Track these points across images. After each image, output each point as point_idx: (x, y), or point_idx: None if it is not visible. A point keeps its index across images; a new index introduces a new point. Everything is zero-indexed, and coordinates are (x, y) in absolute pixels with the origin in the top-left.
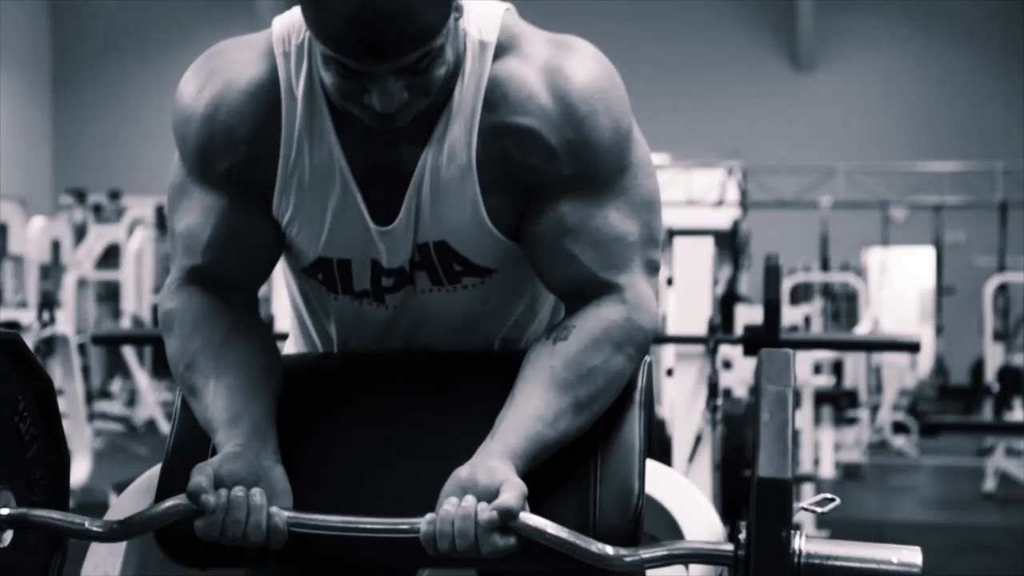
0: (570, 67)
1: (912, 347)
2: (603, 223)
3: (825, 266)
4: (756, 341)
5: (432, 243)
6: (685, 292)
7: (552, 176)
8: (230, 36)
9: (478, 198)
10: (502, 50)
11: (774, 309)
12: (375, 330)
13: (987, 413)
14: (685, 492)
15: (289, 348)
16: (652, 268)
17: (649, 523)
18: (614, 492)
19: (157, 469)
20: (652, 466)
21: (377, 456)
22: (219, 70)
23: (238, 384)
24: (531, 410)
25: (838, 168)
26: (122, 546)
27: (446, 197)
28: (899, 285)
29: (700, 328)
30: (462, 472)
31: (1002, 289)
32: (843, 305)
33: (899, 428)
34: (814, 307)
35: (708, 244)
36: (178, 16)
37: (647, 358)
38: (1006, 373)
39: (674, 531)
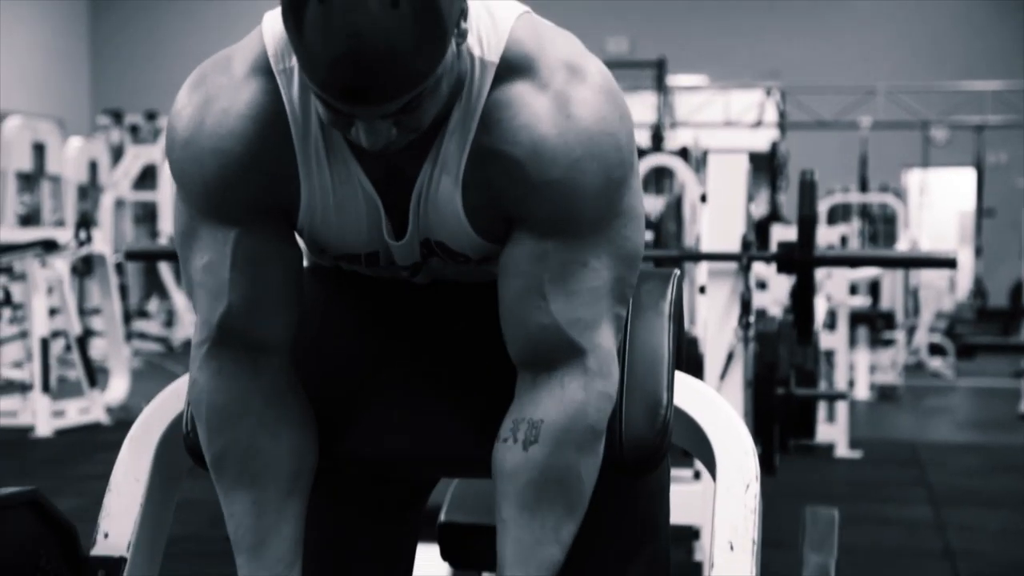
0: (576, 102)
1: (948, 263)
2: (580, 271)
3: (863, 187)
4: (790, 258)
5: (433, 241)
6: (718, 210)
7: (533, 212)
8: None
9: (461, 216)
10: (508, 70)
11: (808, 225)
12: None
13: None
14: (716, 406)
15: None
16: (618, 327)
17: (678, 435)
18: (642, 403)
19: (183, 380)
20: (682, 379)
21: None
22: (213, 97)
23: (264, 500)
24: (530, 538)
25: (878, 88)
26: (151, 450)
27: (435, 210)
28: (939, 207)
29: (733, 246)
30: None
31: None
32: (881, 227)
33: (935, 350)
34: (851, 228)
35: (743, 161)
36: None
37: (675, 272)
38: None
39: (703, 446)
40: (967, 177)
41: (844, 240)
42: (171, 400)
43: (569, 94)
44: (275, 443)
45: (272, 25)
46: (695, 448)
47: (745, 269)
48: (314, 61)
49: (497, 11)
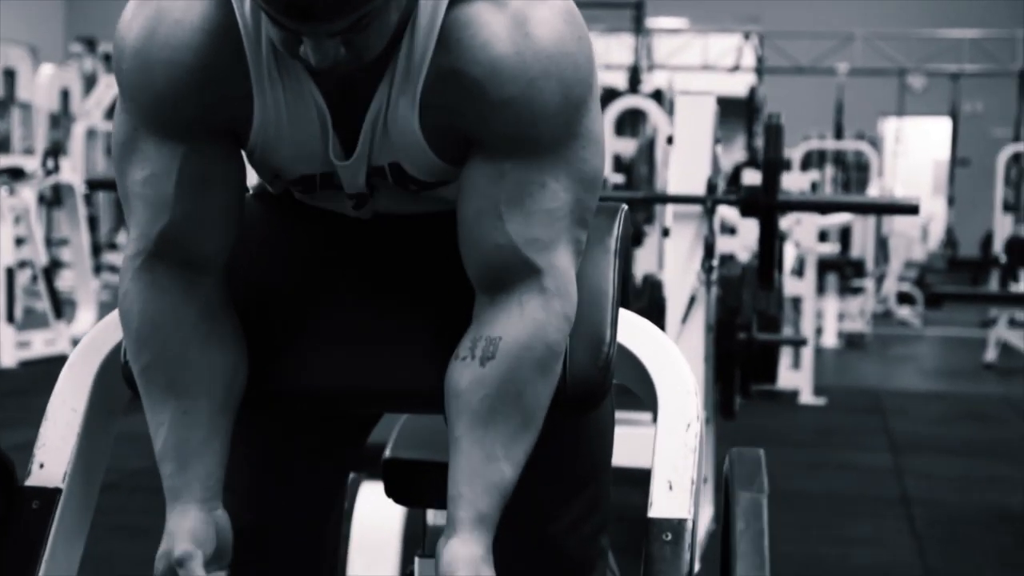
0: (535, 21)
1: (911, 209)
2: (538, 191)
3: (839, 134)
4: (753, 202)
5: (387, 164)
6: (684, 152)
7: (492, 131)
8: None
9: (419, 136)
10: None
11: (772, 169)
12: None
13: (993, 285)
14: (659, 344)
15: None
16: (577, 250)
17: (622, 373)
18: (585, 339)
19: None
20: (626, 317)
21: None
22: (166, 8)
23: (196, 411)
24: (481, 454)
25: (856, 33)
26: (88, 380)
27: (394, 131)
28: (914, 156)
29: (699, 189)
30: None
31: (1016, 160)
32: (854, 174)
33: (904, 299)
34: (824, 175)
35: (710, 103)
36: None
37: (623, 206)
38: (1014, 244)
39: (646, 384)
40: (943, 126)
41: (814, 186)
42: (111, 329)
43: (527, 13)
44: (207, 357)
45: None
46: (638, 387)
47: (709, 212)
48: None
49: None
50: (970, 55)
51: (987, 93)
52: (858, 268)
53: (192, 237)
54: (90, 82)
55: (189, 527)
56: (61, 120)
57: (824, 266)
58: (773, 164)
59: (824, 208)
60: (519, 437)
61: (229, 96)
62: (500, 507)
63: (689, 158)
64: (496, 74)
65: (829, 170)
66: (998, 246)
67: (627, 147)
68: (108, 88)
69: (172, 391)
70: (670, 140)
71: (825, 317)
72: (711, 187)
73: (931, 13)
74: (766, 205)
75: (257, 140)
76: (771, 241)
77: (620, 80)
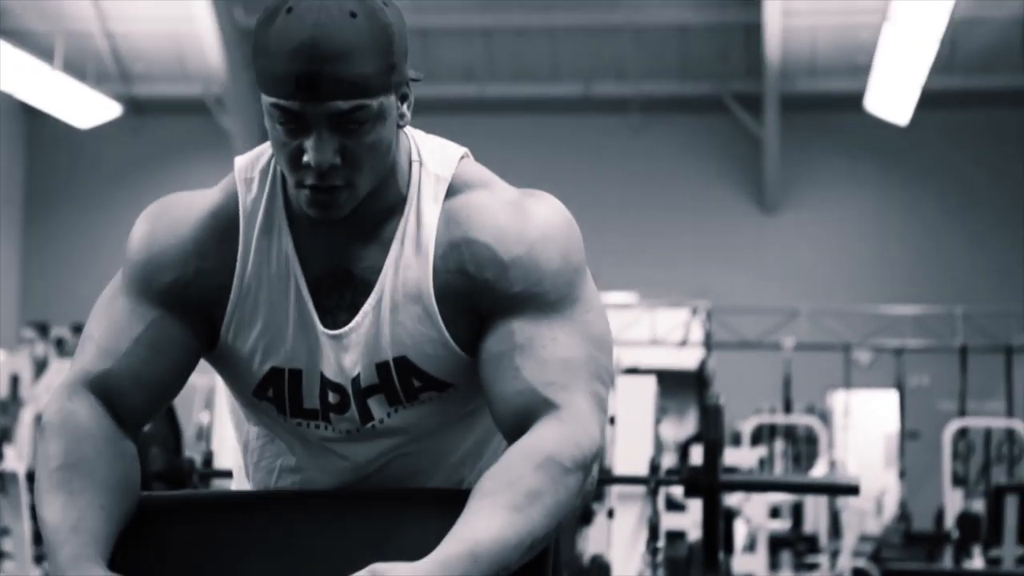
0: (531, 205)
1: (851, 490)
2: (551, 343)
3: (788, 408)
4: (696, 481)
5: (392, 359)
6: (627, 432)
7: (503, 291)
8: (197, 177)
9: (435, 311)
10: (463, 185)
11: (714, 449)
12: (330, 463)
13: (948, 560)
14: None
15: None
16: (598, 401)
17: None
18: None
19: None
20: None
21: None
22: (181, 199)
23: (93, 504)
24: (466, 517)
25: (801, 309)
26: None
27: (405, 309)
28: (864, 428)
29: (642, 469)
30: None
31: (963, 434)
32: (804, 448)
33: (859, 575)
34: (774, 450)
35: (650, 383)
36: (148, 154)
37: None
38: (965, 519)
39: None
40: (890, 399)
41: (762, 463)
42: None
43: (523, 201)
44: (114, 470)
45: (243, 156)
46: None
47: (653, 493)
48: (276, 57)
49: (440, 148)
50: (912, 331)
51: (933, 366)
52: (811, 544)
53: (124, 392)
54: (41, 366)
55: None
56: (9, 406)
57: (776, 543)
58: (713, 445)
59: (766, 488)
60: (507, 516)
61: (212, 271)
62: (465, 565)
63: (631, 438)
64: (502, 239)
65: (779, 444)
66: (949, 521)
67: None
68: (59, 373)
69: (93, 490)
70: (612, 420)
71: None
72: (654, 467)
73: (873, 289)
74: (708, 485)
75: (232, 315)
76: (714, 522)
77: None
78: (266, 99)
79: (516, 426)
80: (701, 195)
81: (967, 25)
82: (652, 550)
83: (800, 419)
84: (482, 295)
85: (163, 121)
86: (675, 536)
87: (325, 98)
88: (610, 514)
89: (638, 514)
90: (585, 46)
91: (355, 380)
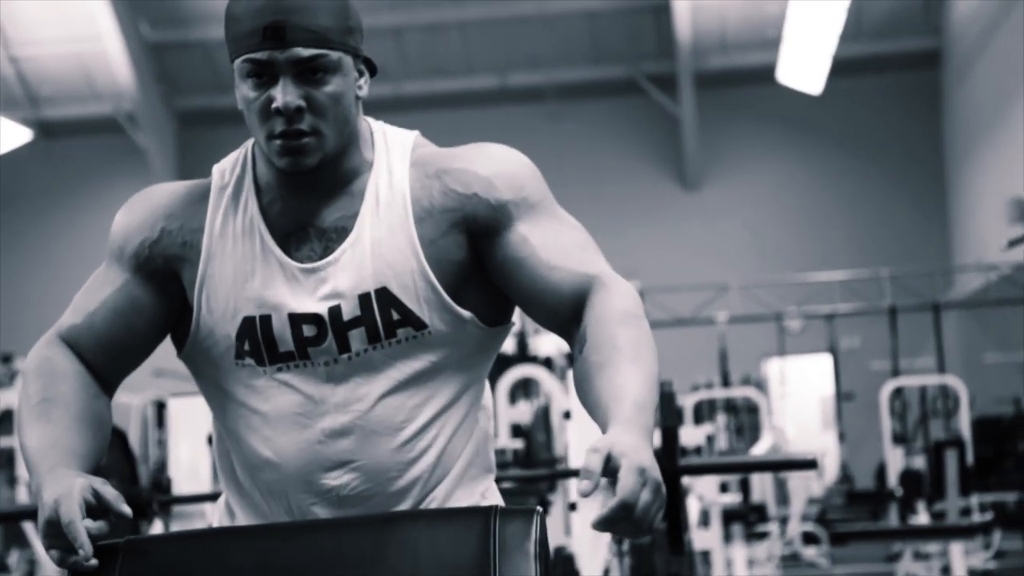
0: (485, 144)
1: (809, 464)
2: (558, 235)
3: (726, 381)
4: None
5: (374, 291)
6: (583, 426)
7: (495, 201)
8: (114, 195)
9: (415, 241)
10: (425, 145)
11: (672, 437)
12: (303, 436)
13: (892, 517)
14: None
15: (217, 514)
16: (609, 266)
17: None
18: None
19: None
20: None
21: None
22: (161, 185)
23: (68, 431)
24: (606, 384)
25: (732, 283)
26: None
27: (387, 243)
28: (800, 394)
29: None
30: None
31: (898, 393)
32: (746, 418)
33: (809, 539)
34: (717, 424)
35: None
36: (62, 176)
37: (537, 510)
38: (908, 477)
39: None
40: (824, 363)
41: (710, 440)
42: None
43: (477, 144)
44: (93, 406)
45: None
46: None
47: (614, 484)
48: (244, 17)
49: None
50: (842, 295)
51: (862, 328)
52: (761, 513)
53: (87, 348)
54: None
55: (66, 483)
56: None
57: (727, 516)
58: (672, 432)
59: (727, 470)
60: (630, 369)
61: (177, 230)
62: (639, 414)
63: (588, 432)
64: (475, 162)
65: (721, 418)
66: (892, 479)
67: (523, 414)
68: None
69: (69, 417)
70: (567, 415)
71: (735, 566)
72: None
73: (801, 258)
74: (669, 471)
75: (204, 273)
76: (677, 507)
77: (509, 345)
78: (238, 63)
79: (574, 305)
80: (623, 177)
81: None
82: (618, 539)
83: (738, 392)
84: (476, 209)
85: (76, 142)
86: None
87: (289, 44)
88: (572, 507)
89: (600, 505)
90: (497, 38)
91: (335, 312)
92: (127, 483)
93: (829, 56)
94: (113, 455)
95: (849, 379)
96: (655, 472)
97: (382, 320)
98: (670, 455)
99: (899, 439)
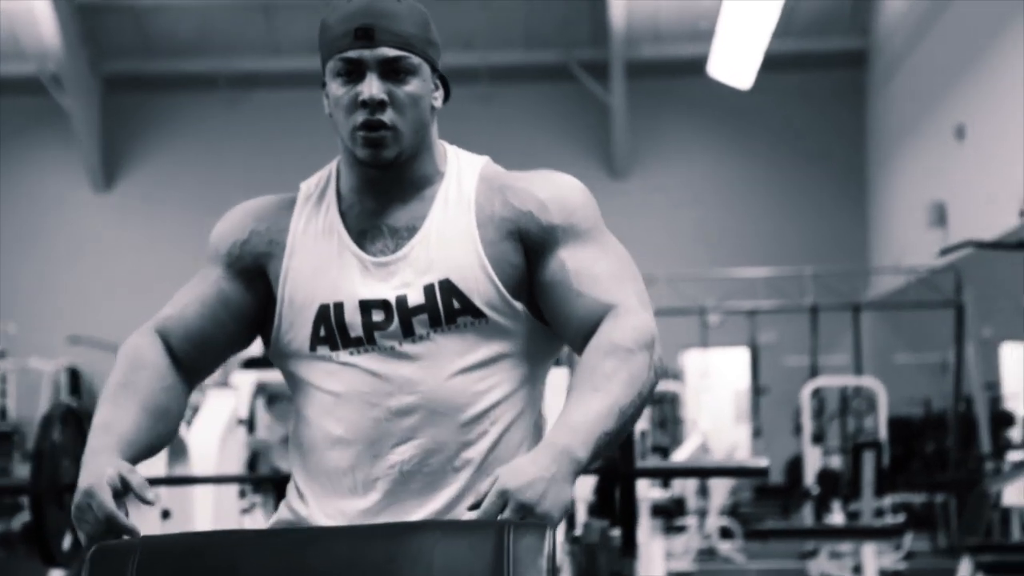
0: (551, 171)
1: (760, 472)
2: (595, 263)
3: None
4: (613, 472)
5: (438, 281)
6: None
7: (546, 222)
8: (37, 155)
9: (477, 240)
10: (494, 166)
11: (628, 441)
12: (372, 414)
13: (806, 515)
14: None
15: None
16: (642, 296)
17: None
18: None
19: None
20: None
21: None
22: (253, 199)
23: (138, 417)
24: (565, 409)
25: (659, 275)
26: None
27: (451, 241)
28: (717, 387)
29: None
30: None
31: (815, 393)
32: (668, 410)
33: (725, 533)
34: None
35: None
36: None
37: (548, 527)
38: (825, 476)
39: None
40: (742, 357)
41: (643, 436)
42: None
43: (544, 171)
44: (162, 397)
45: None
46: None
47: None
48: (339, 22)
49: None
50: (765, 291)
51: (780, 323)
52: (680, 506)
53: (176, 338)
54: None
55: (99, 468)
56: None
57: (654, 511)
58: (629, 437)
59: (680, 474)
60: (589, 396)
61: (264, 230)
62: (565, 435)
63: None
64: (535, 185)
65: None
66: (809, 477)
67: None
68: None
69: (134, 403)
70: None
71: (652, 560)
72: None
73: (726, 253)
74: (626, 474)
75: (288, 266)
76: (632, 509)
77: None
78: (330, 64)
79: (591, 331)
80: (551, 163)
81: None
82: (571, 539)
83: (662, 385)
84: (528, 225)
85: None
86: (584, 525)
87: (378, 44)
88: None
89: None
90: (432, 16)
91: (402, 300)
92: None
93: (760, 52)
94: (67, 437)
95: (764, 374)
96: (524, 494)
97: (444, 308)
98: (627, 459)
99: (817, 438)
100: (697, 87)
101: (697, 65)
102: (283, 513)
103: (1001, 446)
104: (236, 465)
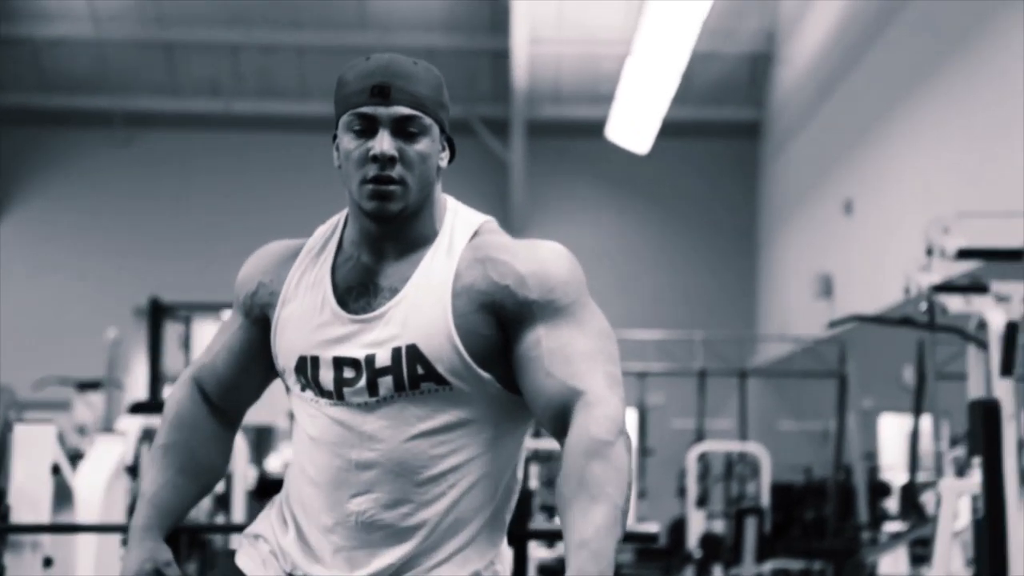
0: (540, 241)
1: (650, 538)
2: (570, 342)
3: (537, 432)
4: (510, 532)
5: (405, 346)
6: None
7: (523, 297)
8: None
9: (449, 309)
10: (488, 232)
11: (526, 500)
12: (337, 463)
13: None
14: None
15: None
16: (614, 380)
17: None
18: None
19: None
20: None
21: None
22: (276, 242)
23: (180, 484)
24: (568, 528)
25: None
26: None
27: (425, 305)
28: None
29: None
30: None
31: (701, 457)
32: (556, 469)
33: None
34: (530, 471)
35: None
36: None
37: None
38: (708, 540)
39: None
40: (631, 418)
41: (532, 495)
42: None
43: (533, 241)
44: (203, 452)
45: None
46: None
47: None
48: (356, 79)
49: (475, 211)
50: (655, 354)
51: (667, 385)
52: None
53: (208, 383)
54: None
55: (140, 558)
56: None
57: (543, 571)
58: (526, 495)
59: None
60: (591, 509)
61: (268, 283)
62: (588, 561)
63: None
64: (518, 258)
65: (533, 468)
66: (692, 541)
67: None
68: None
69: (175, 467)
70: None
71: None
72: None
73: (618, 314)
74: (519, 535)
75: (279, 316)
76: (524, 568)
77: None
78: (344, 118)
79: (556, 415)
80: None
81: (701, 59)
82: None
83: (542, 443)
84: (504, 299)
85: None
86: None
87: (392, 103)
88: None
89: None
90: (334, 66)
91: (371, 359)
92: None
93: (659, 118)
94: None
95: (651, 435)
96: None
97: (408, 373)
98: (521, 519)
99: (701, 501)
100: (595, 149)
101: (596, 127)
102: (260, 528)
103: (878, 516)
104: (120, 512)
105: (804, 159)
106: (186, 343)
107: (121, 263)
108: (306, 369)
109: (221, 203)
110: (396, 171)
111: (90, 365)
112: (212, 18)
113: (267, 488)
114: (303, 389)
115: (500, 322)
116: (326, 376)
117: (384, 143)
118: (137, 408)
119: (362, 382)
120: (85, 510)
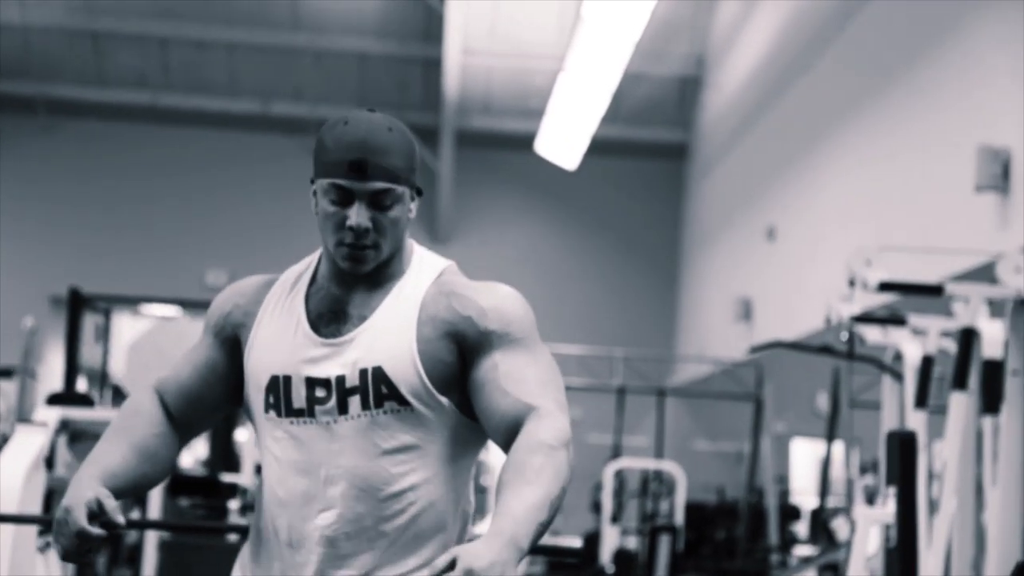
0: (498, 284)
1: (574, 553)
2: (524, 368)
3: None
4: None
5: (371, 368)
6: None
7: (483, 328)
8: None
9: (413, 336)
10: (451, 273)
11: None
12: (304, 481)
13: None
14: None
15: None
16: (562, 404)
17: None
18: None
19: None
20: None
21: None
22: (246, 278)
23: (127, 456)
24: (500, 503)
25: None
26: None
27: (391, 331)
28: None
29: None
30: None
31: (617, 474)
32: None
33: None
34: None
35: None
36: None
37: None
38: (621, 556)
39: None
40: None
41: None
42: None
43: (491, 283)
44: (153, 441)
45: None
46: None
47: None
48: (336, 150)
49: (439, 256)
50: (576, 369)
51: (585, 400)
52: None
53: (170, 395)
54: None
55: (80, 491)
56: None
57: None
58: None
59: None
60: (524, 489)
61: (243, 305)
62: (511, 526)
63: None
64: (479, 294)
65: None
66: (605, 556)
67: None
68: None
69: (124, 443)
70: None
71: None
72: None
73: (541, 328)
74: None
75: (255, 336)
76: None
77: None
78: (323, 182)
79: (510, 429)
80: None
81: (632, 79)
82: None
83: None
84: (466, 329)
85: None
86: None
87: (368, 179)
88: None
89: None
90: (265, 64)
91: (340, 380)
92: None
93: (588, 135)
94: None
95: None
96: (487, 573)
97: (373, 392)
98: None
99: (615, 517)
100: (524, 162)
101: (525, 141)
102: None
103: (788, 539)
104: (38, 504)
105: (729, 183)
106: (105, 335)
107: (39, 252)
108: (278, 388)
109: (145, 196)
110: (370, 239)
111: (4, 353)
112: (142, 10)
113: (180, 485)
114: (267, 410)
115: (460, 350)
116: (299, 394)
117: (360, 216)
118: (55, 399)
119: (332, 401)
120: (4, 499)
